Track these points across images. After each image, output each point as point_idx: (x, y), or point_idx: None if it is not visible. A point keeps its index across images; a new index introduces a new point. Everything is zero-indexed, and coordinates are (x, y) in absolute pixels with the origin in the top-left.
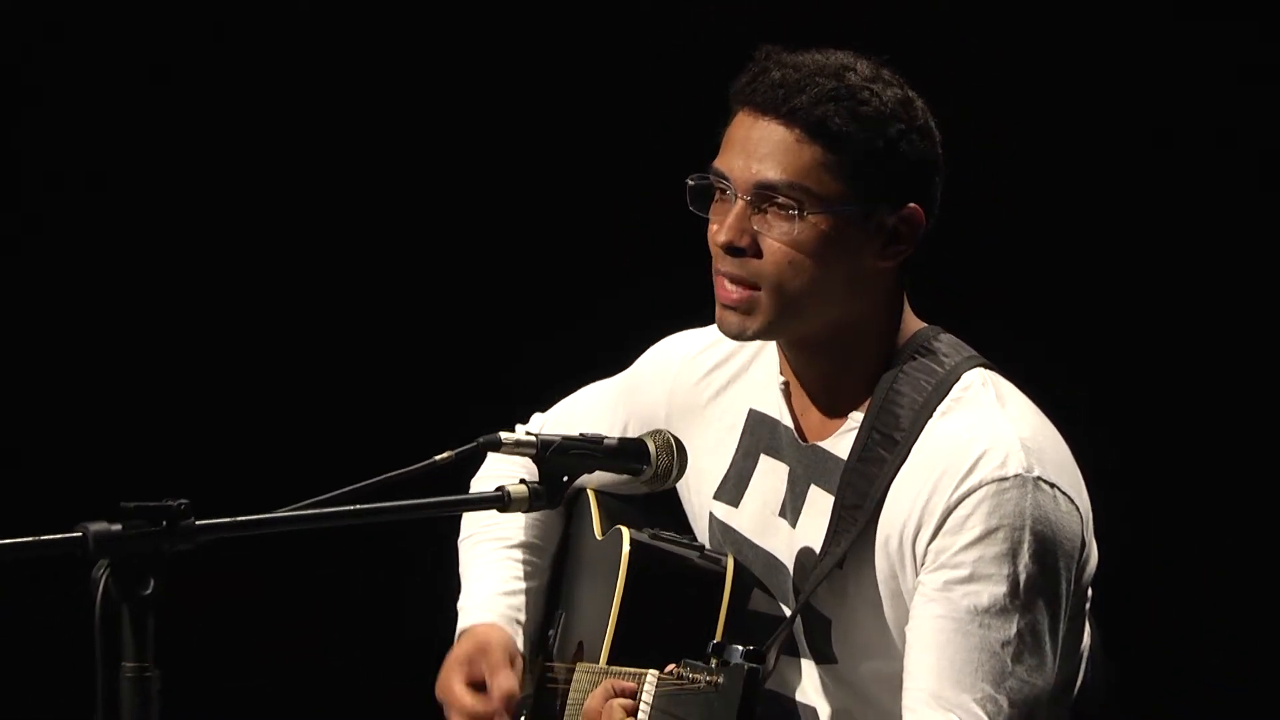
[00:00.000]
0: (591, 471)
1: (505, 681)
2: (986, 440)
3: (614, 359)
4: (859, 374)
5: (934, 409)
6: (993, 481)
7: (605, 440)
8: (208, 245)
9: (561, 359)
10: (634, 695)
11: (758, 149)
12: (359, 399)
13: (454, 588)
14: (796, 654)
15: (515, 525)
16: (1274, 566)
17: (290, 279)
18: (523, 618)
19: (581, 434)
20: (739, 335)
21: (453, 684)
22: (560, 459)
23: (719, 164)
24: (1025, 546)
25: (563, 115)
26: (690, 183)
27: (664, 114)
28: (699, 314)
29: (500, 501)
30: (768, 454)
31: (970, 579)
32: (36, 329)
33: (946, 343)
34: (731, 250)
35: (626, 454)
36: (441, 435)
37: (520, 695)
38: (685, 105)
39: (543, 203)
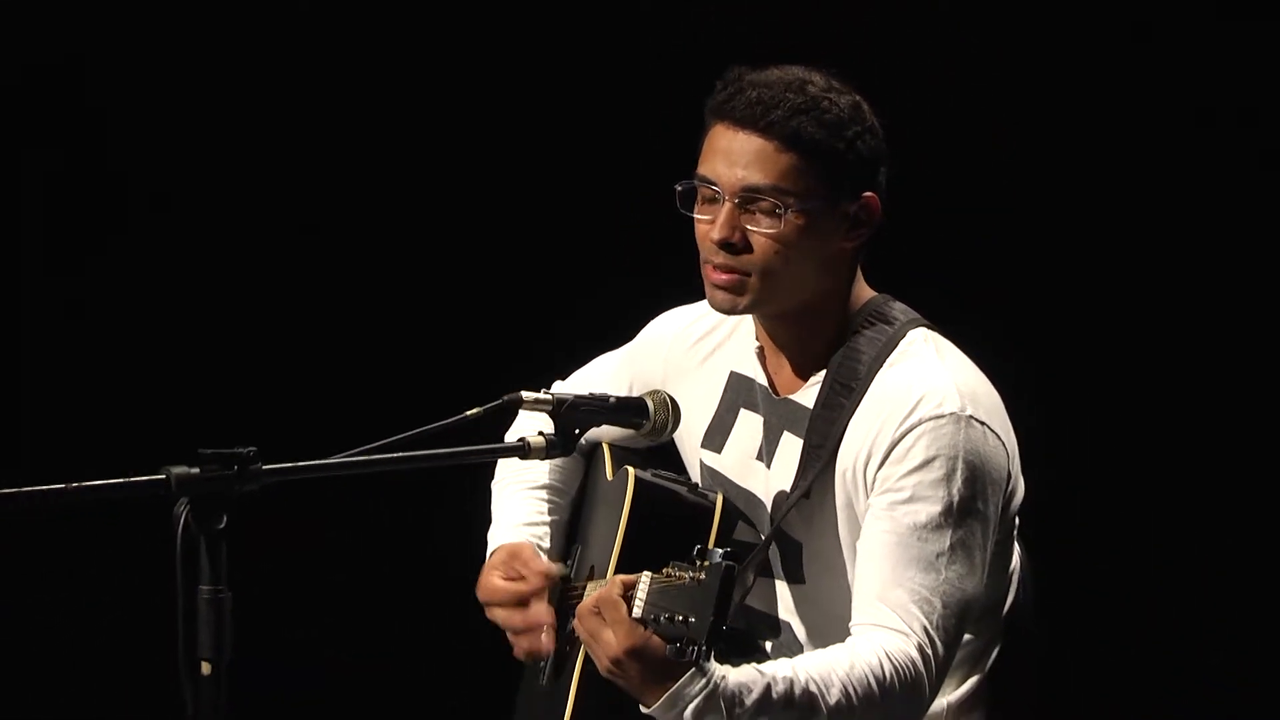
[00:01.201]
0: (599, 425)
1: (540, 565)
2: (926, 385)
3: (619, 332)
4: (823, 337)
5: (884, 361)
6: (931, 419)
7: (610, 398)
8: (277, 229)
9: (576, 334)
10: (632, 588)
11: (740, 158)
12: (404, 364)
13: (482, 524)
14: (772, 576)
15: (540, 470)
16: (1193, 516)
17: (351, 264)
18: (546, 545)
19: (590, 393)
20: (730, 311)
21: (492, 579)
22: (572, 414)
23: (704, 171)
24: (958, 473)
25: (585, 112)
26: (679, 188)
27: (670, 113)
28: (687, 294)
29: (522, 450)
30: (745, 408)
31: (911, 500)
32: (124, 301)
33: (897, 308)
34: (725, 246)
35: (628, 410)
36: (473, 395)
37: (557, 576)
38: (691, 103)
39: (562, 206)
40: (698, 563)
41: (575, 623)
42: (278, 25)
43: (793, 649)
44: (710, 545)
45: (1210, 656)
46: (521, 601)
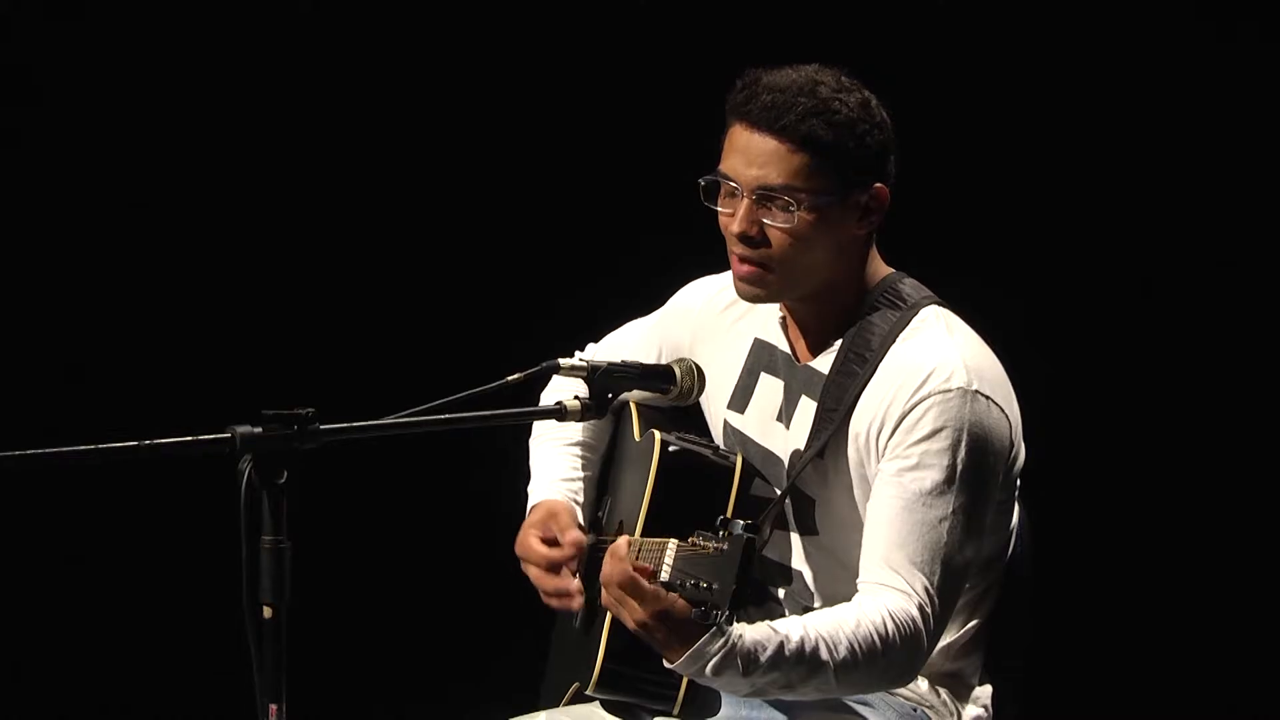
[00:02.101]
0: (630, 390)
1: (574, 535)
2: (936, 360)
3: (652, 295)
4: (841, 311)
5: (897, 335)
6: (939, 392)
7: (640, 365)
8: (331, 204)
9: (608, 300)
10: (657, 553)
11: (757, 158)
12: (449, 332)
13: (516, 476)
14: (787, 528)
15: (574, 429)
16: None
17: (399, 240)
18: (580, 499)
19: (622, 360)
20: (754, 300)
21: (530, 540)
22: (605, 380)
23: (724, 168)
24: (962, 444)
25: (621, 88)
26: (701, 182)
27: (702, 90)
28: (713, 263)
29: (559, 413)
30: (767, 372)
31: (917, 467)
32: (187, 271)
33: (909, 285)
34: (744, 238)
35: (656, 376)
36: (514, 360)
37: (585, 545)
38: (717, 78)
39: (593, 182)
40: (720, 533)
41: (603, 590)
42: None
43: (804, 596)
44: (730, 502)
45: (1198, 613)
46: (553, 566)
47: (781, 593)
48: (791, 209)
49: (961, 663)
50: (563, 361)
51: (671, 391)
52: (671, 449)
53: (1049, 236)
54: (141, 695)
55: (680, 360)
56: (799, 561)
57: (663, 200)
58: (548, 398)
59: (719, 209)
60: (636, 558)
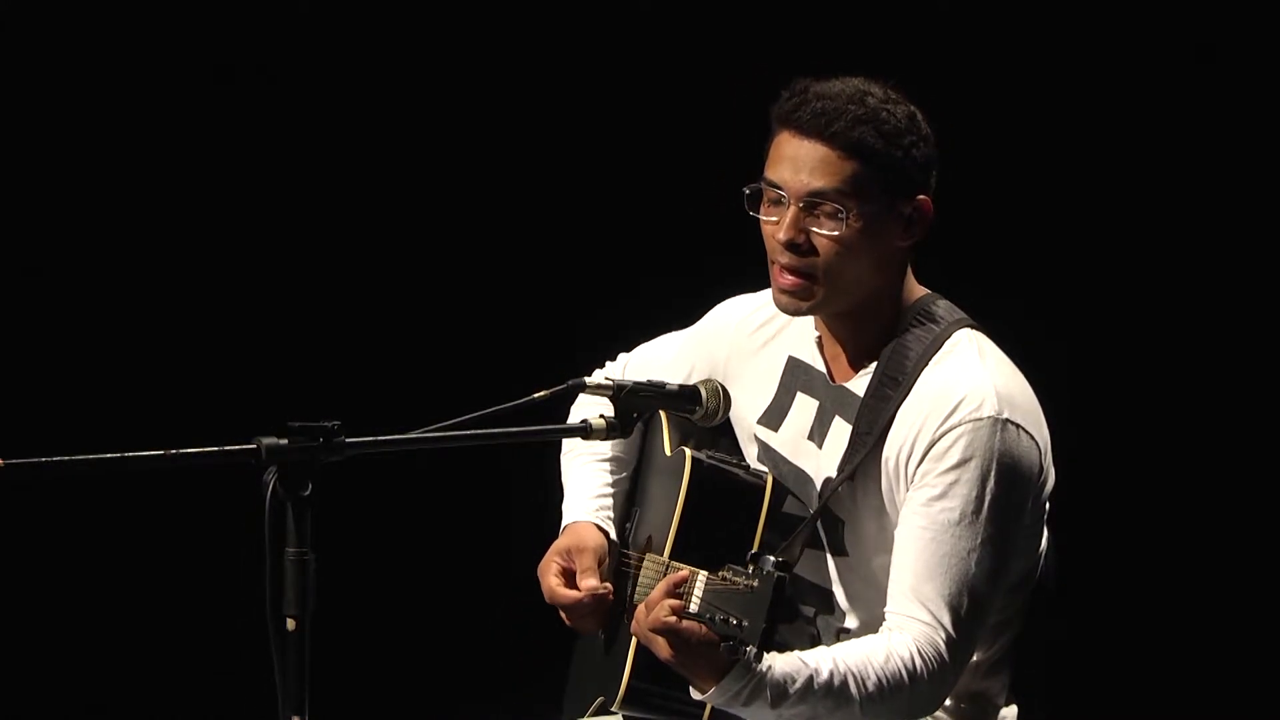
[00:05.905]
0: (656, 411)
1: (589, 581)
2: (967, 387)
3: (678, 310)
4: (876, 330)
5: (929, 359)
6: (970, 421)
7: (666, 385)
8: (362, 219)
9: (637, 315)
10: (686, 584)
11: (806, 164)
12: (477, 346)
13: (530, 489)
14: (820, 548)
15: (605, 443)
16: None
17: (427, 256)
18: (611, 515)
19: (649, 380)
20: (795, 314)
21: (549, 572)
22: (631, 399)
23: (771, 176)
24: (992, 475)
25: (659, 103)
26: (746, 191)
27: (743, 106)
28: (741, 282)
29: (584, 431)
30: (802, 391)
31: (946, 497)
32: (226, 290)
33: (943, 307)
34: (791, 246)
35: (682, 397)
36: (542, 375)
37: (603, 593)
38: (760, 93)
39: (625, 197)
40: (750, 569)
41: (633, 625)
42: None
43: (836, 615)
44: (761, 521)
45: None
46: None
47: (814, 612)
48: (841, 216)
49: (988, 683)
50: (588, 380)
51: (697, 412)
52: (703, 466)
53: (1079, 255)
54: (165, 706)
55: (706, 381)
56: (833, 582)
57: (693, 218)
58: (576, 415)
59: (763, 218)
60: (665, 593)
